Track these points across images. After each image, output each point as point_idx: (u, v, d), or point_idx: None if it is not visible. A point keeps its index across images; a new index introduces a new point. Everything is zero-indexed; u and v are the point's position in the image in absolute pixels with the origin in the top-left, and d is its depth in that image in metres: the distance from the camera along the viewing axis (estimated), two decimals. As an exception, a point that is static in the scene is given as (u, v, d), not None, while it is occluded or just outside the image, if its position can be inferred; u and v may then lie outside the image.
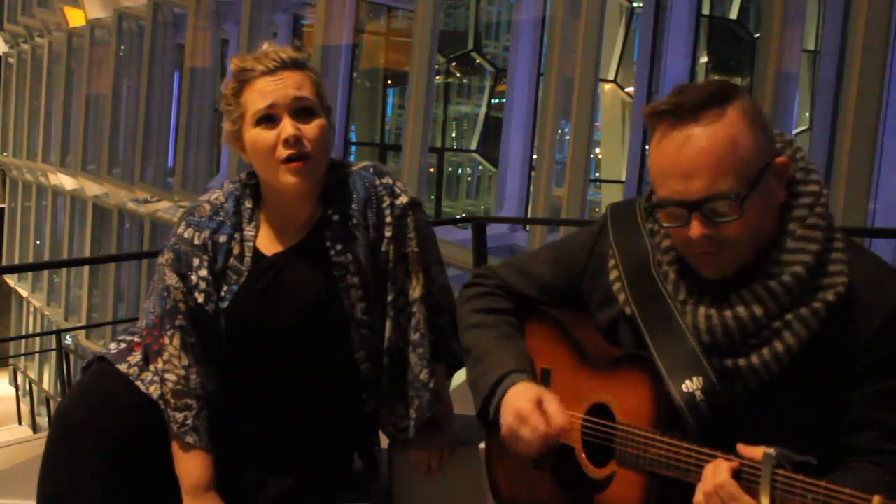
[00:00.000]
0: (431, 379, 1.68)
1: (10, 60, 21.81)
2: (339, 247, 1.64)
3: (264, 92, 1.57)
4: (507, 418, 1.42)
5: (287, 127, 1.55)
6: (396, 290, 1.68)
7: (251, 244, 1.66)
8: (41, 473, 1.58)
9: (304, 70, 1.61)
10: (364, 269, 1.65)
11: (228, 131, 1.63)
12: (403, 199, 1.68)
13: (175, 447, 1.59)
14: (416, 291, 1.68)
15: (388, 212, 1.67)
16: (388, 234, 1.67)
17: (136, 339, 1.66)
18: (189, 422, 1.58)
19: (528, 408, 1.39)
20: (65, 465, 1.56)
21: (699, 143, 1.24)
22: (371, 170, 1.70)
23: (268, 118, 1.57)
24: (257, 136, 1.58)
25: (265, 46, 1.62)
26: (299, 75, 1.59)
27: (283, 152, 1.56)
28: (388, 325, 1.68)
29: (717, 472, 1.19)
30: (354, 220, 1.65)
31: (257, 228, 1.67)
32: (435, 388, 1.69)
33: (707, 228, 1.26)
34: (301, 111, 1.57)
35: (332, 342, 1.65)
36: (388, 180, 1.69)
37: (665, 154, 1.27)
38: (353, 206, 1.66)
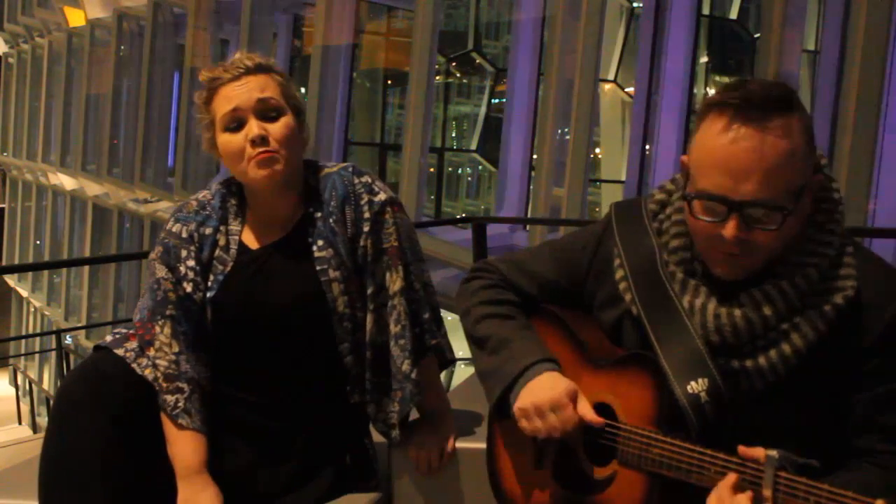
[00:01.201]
0: (414, 370, 1.70)
1: (10, 60, 21.82)
2: (320, 242, 1.69)
3: (229, 97, 1.65)
4: (536, 398, 1.40)
5: (253, 128, 1.63)
6: (376, 284, 1.71)
7: (237, 237, 1.72)
8: (43, 451, 1.60)
9: (268, 73, 1.68)
10: (345, 264, 1.69)
11: (206, 139, 1.71)
12: (381, 197, 1.72)
13: (168, 430, 1.63)
14: (395, 284, 1.71)
15: (366, 208, 1.71)
16: (366, 229, 1.70)
17: (132, 330, 1.70)
18: (181, 404, 1.62)
19: (562, 397, 1.39)
20: (66, 442, 1.58)
21: (763, 146, 1.20)
22: (350, 169, 1.75)
23: (234, 121, 1.64)
24: (226, 141, 1.65)
25: (236, 55, 1.70)
26: (263, 78, 1.67)
27: (251, 152, 1.62)
28: (368, 318, 1.71)
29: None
30: (334, 217, 1.70)
31: (243, 224, 1.74)
32: (418, 378, 1.70)
33: (742, 231, 1.24)
34: (267, 112, 1.64)
35: (315, 334, 1.69)
36: (366, 179, 1.73)
37: (723, 147, 1.22)
38: (333, 203, 1.71)
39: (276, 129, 1.63)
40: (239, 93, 1.64)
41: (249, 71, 1.66)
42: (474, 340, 1.57)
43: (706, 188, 1.25)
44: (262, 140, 1.61)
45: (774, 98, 1.22)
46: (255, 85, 1.65)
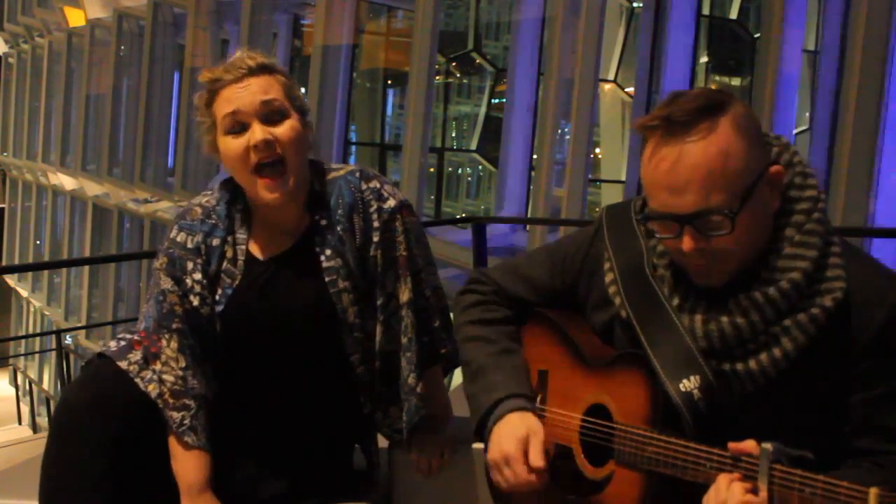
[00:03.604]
0: (418, 384, 1.68)
1: (10, 60, 21.83)
2: (328, 252, 1.64)
3: (230, 99, 1.57)
4: (493, 454, 1.45)
5: (256, 132, 1.56)
6: (386, 294, 1.68)
7: (244, 248, 1.66)
8: (43, 466, 1.59)
9: (272, 74, 1.61)
10: (353, 274, 1.65)
11: (207, 142, 1.64)
12: (391, 203, 1.67)
13: (173, 446, 1.60)
14: (404, 296, 1.68)
15: (375, 216, 1.66)
16: (375, 238, 1.66)
17: (136, 337, 1.66)
18: (187, 421, 1.59)
19: (513, 451, 1.42)
20: (67, 457, 1.56)
21: (690, 158, 1.22)
22: (357, 174, 1.69)
23: (236, 125, 1.57)
24: (227, 144, 1.58)
25: (237, 54, 1.63)
26: (266, 79, 1.59)
27: (253, 158, 1.56)
28: (378, 328, 1.68)
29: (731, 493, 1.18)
30: (342, 226, 1.65)
31: (249, 232, 1.67)
32: (422, 392, 1.68)
33: (699, 242, 1.26)
34: (271, 115, 1.58)
35: (325, 346, 1.65)
36: (374, 184, 1.68)
37: (656, 169, 1.25)
38: (340, 211, 1.65)
39: (282, 132, 1.56)
40: (241, 95, 1.56)
41: (252, 72, 1.58)
42: (461, 360, 1.61)
43: (654, 208, 1.29)
44: (266, 145, 1.55)
45: (697, 108, 1.23)
46: (257, 87, 1.57)
